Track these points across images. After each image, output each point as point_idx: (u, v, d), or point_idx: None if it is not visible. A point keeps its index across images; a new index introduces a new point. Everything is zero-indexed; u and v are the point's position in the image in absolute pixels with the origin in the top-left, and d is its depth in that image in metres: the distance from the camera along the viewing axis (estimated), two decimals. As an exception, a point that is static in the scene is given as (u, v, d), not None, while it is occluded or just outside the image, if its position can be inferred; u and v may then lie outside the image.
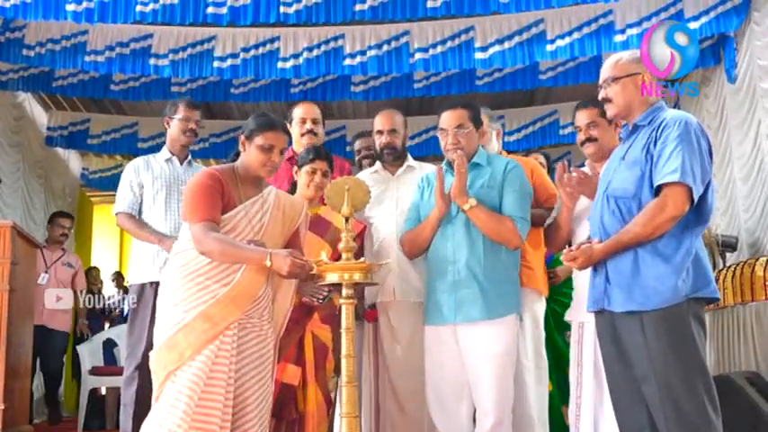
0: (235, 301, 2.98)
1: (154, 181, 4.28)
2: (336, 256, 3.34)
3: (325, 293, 3.47)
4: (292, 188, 3.82)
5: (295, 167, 3.78)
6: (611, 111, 2.94)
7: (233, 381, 2.95)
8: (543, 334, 4.06)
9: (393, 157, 4.15)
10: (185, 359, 2.89)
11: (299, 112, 4.27)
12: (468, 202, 3.38)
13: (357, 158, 4.79)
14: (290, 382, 3.41)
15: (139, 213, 4.29)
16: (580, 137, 3.57)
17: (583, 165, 3.77)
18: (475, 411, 3.48)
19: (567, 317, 3.65)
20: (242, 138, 3.15)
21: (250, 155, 3.12)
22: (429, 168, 4.12)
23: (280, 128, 3.16)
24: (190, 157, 4.48)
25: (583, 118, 3.55)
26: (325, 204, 3.54)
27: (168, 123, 4.42)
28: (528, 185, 3.60)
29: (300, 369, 3.45)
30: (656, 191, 2.70)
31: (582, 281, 3.42)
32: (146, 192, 4.29)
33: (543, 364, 4.04)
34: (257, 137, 3.10)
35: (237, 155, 3.22)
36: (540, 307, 4.01)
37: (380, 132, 4.16)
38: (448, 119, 3.59)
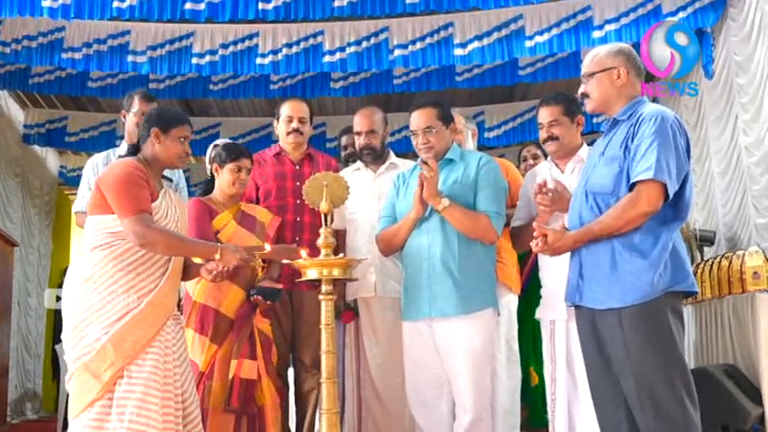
0: (172, 289, 3.04)
1: None
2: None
3: (276, 293, 3.54)
4: (210, 185, 3.80)
5: (215, 165, 3.76)
6: (589, 106, 2.95)
7: (182, 375, 3.00)
8: (515, 327, 4.09)
9: (372, 158, 4.17)
10: (136, 353, 2.86)
11: (285, 109, 4.25)
12: (441, 202, 3.39)
13: (343, 154, 4.78)
14: (248, 377, 3.45)
15: None
16: (542, 134, 3.61)
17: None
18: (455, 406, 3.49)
19: (537, 314, 3.67)
20: (155, 130, 3.12)
21: (167, 146, 3.12)
22: (411, 165, 4.14)
23: (188, 119, 3.24)
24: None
25: (545, 116, 3.59)
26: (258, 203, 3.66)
27: (124, 116, 4.34)
28: (502, 180, 3.62)
29: (256, 363, 3.47)
30: (631, 188, 2.70)
31: (551, 279, 3.45)
32: None
33: (514, 357, 4.08)
34: (175, 129, 3.13)
35: (136, 149, 3.19)
36: (511, 301, 4.04)
37: (359, 134, 4.17)
38: (416, 120, 3.61)
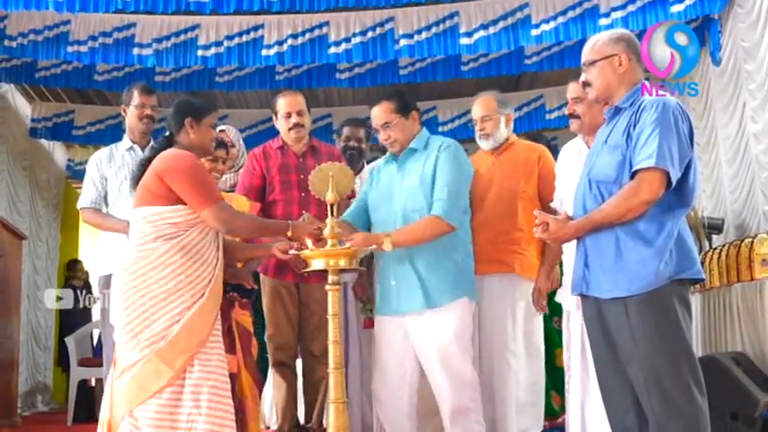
0: (221, 277, 3.16)
1: (117, 172, 4.27)
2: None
3: (253, 286, 3.62)
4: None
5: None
6: (591, 94, 2.93)
7: None
8: (539, 319, 4.05)
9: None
10: (203, 341, 2.99)
11: (282, 105, 4.23)
12: (385, 244, 3.31)
13: (342, 146, 4.75)
14: (228, 371, 3.42)
15: (106, 205, 4.30)
16: (567, 110, 3.57)
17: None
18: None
19: (558, 298, 3.66)
20: (189, 120, 3.22)
21: (202, 134, 3.25)
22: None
23: (216, 107, 3.39)
24: (152, 144, 4.43)
25: (570, 92, 3.54)
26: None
27: (125, 111, 4.40)
28: (461, 164, 3.54)
29: (236, 357, 3.47)
30: (633, 176, 2.69)
31: (570, 267, 3.41)
32: (110, 184, 4.28)
33: (533, 349, 4.04)
34: (206, 117, 3.26)
35: (168, 142, 3.25)
36: (531, 293, 4.01)
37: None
38: (374, 118, 3.60)
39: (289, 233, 3.21)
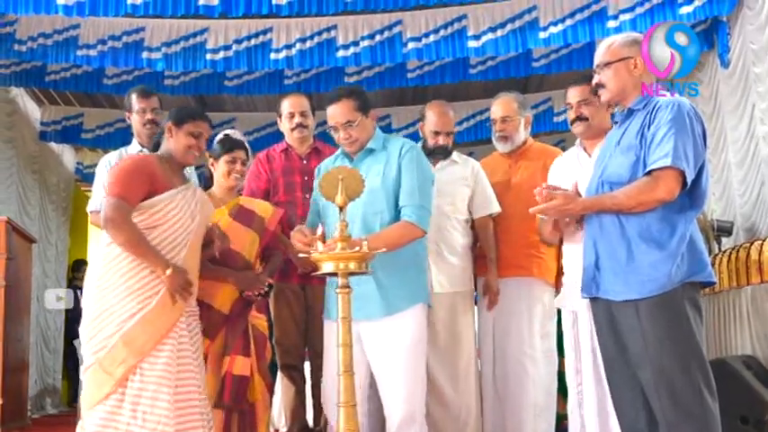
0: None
1: None
2: (261, 249, 3.58)
3: (265, 289, 3.52)
4: (210, 181, 3.78)
5: (211, 159, 3.72)
6: (604, 95, 2.92)
7: (199, 367, 3.04)
8: (552, 322, 4.04)
9: (444, 156, 4.14)
10: (149, 350, 2.90)
11: (286, 106, 4.27)
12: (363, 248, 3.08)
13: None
14: (241, 374, 3.40)
15: None
16: (570, 114, 3.54)
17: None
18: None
19: (557, 303, 3.64)
20: (168, 124, 3.17)
21: (177, 140, 3.16)
22: (472, 161, 4.17)
23: (205, 117, 3.25)
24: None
25: (575, 95, 3.52)
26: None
27: (129, 117, 4.35)
28: (426, 169, 3.41)
29: (250, 360, 3.45)
30: (646, 175, 2.69)
31: (572, 267, 3.40)
32: None
33: (551, 353, 4.03)
34: (187, 124, 3.16)
35: (157, 146, 3.23)
36: (549, 297, 4.01)
37: (437, 134, 4.12)
38: (334, 115, 3.39)
39: (168, 272, 2.94)
